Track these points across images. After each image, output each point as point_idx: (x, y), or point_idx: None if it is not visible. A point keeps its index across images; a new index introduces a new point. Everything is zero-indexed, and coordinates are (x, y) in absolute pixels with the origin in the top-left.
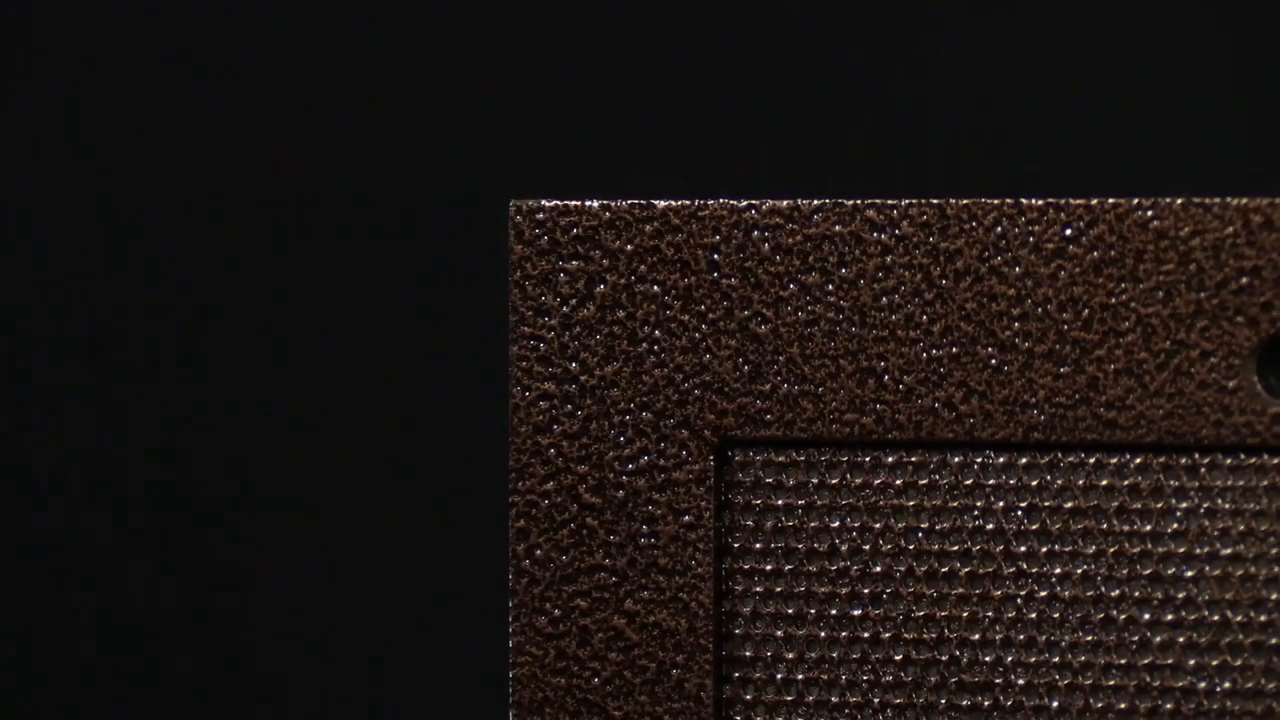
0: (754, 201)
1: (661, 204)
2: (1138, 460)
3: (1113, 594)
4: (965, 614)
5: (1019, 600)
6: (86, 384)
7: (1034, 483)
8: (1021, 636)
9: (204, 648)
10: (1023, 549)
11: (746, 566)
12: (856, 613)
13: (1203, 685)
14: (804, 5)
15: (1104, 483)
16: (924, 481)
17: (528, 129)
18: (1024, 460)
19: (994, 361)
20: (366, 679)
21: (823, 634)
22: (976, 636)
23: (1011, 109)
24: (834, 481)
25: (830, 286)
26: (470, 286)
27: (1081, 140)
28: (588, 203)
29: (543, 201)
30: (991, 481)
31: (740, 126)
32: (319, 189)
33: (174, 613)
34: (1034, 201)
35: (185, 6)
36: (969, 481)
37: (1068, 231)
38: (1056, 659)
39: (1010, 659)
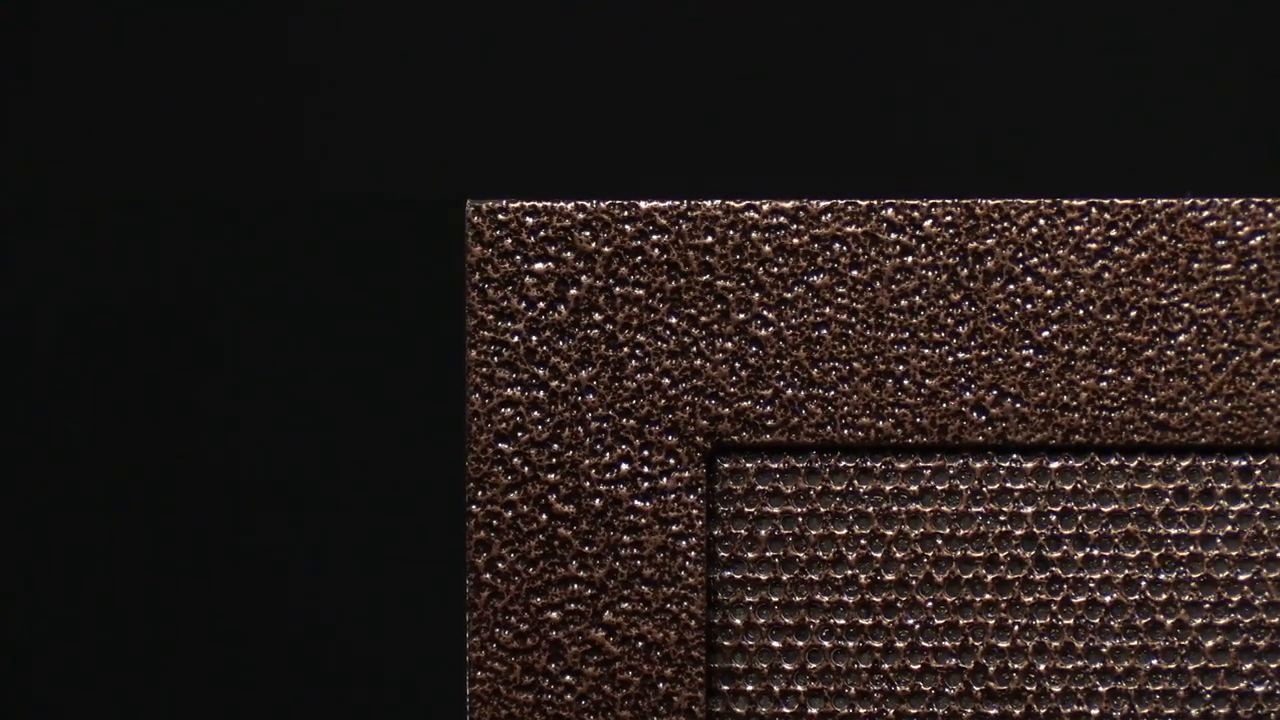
0: (753, 202)
1: (645, 204)
2: (1184, 463)
3: (1159, 598)
4: (992, 621)
5: (1053, 606)
6: (61, 387)
7: (1067, 486)
8: (1056, 643)
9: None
10: (1056, 554)
11: (737, 576)
12: (866, 621)
13: (1260, 689)
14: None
15: (1147, 486)
16: (942, 487)
17: (501, 130)
18: (1055, 464)
19: (1029, 364)
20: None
21: (828, 644)
22: (1005, 644)
23: (1013, 109)
24: (839, 488)
25: (842, 288)
26: (427, 290)
27: (1081, 141)
28: (558, 203)
29: (505, 202)
30: (1020, 486)
31: (710, 129)
32: (292, 190)
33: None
34: (1075, 201)
35: (162, 11)
36: (993, 486)
37: (1113, 231)
38: (1097, 665)
39: (1044, 666)
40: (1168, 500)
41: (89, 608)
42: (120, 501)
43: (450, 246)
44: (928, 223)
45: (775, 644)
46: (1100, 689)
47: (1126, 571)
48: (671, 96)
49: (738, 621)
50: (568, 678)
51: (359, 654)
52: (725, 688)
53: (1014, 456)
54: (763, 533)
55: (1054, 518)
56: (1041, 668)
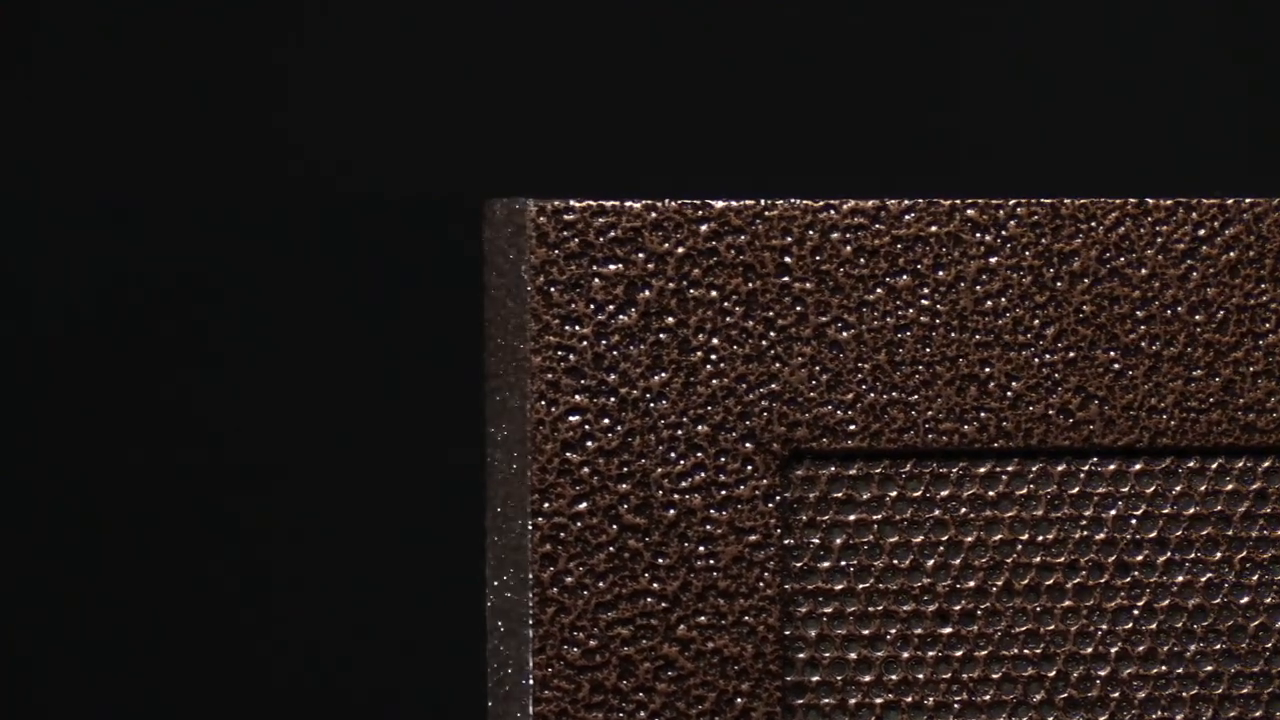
0: (831, 201)
1: (719, 204)
2: (1265, 464)
3: (1241, 601)
4: (1074, 628)
5: (1135, 611)
6: (59, 385)
7: (1148, 489)
8: (1139, 649)
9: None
10: (1137, 558)
11: (810, 587)
12: (945, 631)
13: None
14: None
15: (1229, 488)
16: (1021, 491)
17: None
18: (1137, 466)
19: (1116, 366)
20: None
21: (905, 654)
22: (1088, 650)
23: (1014, 111)
24: (914, 494)
25: (925, 289)
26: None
27: (1083, 141)
28: (628, 203)
29: (571, 201)
30: (1100, 489)
31: (734, 131)
32: (295, 188)
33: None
34: (1161, 201)
35: (165, 11)
36: (1073, 490)
37: (1200, 231)
38: (1180, 670)
39: (1127, 672)
40: (1248, 503)
41: (89, 608)
42: (122, 501)
43: (448, 246)
44: (1011, 223)
45: (851, 655)
46: (1183, 695)
47: (1208, 575)
48: (678, 94)
49: (812, 633)
50: (639, 695)
51: (374, 668)
52: (799, 701)
53: (1093, 459)
54: (837, 541)
55: (1135, 521)
56: (1124, 674)
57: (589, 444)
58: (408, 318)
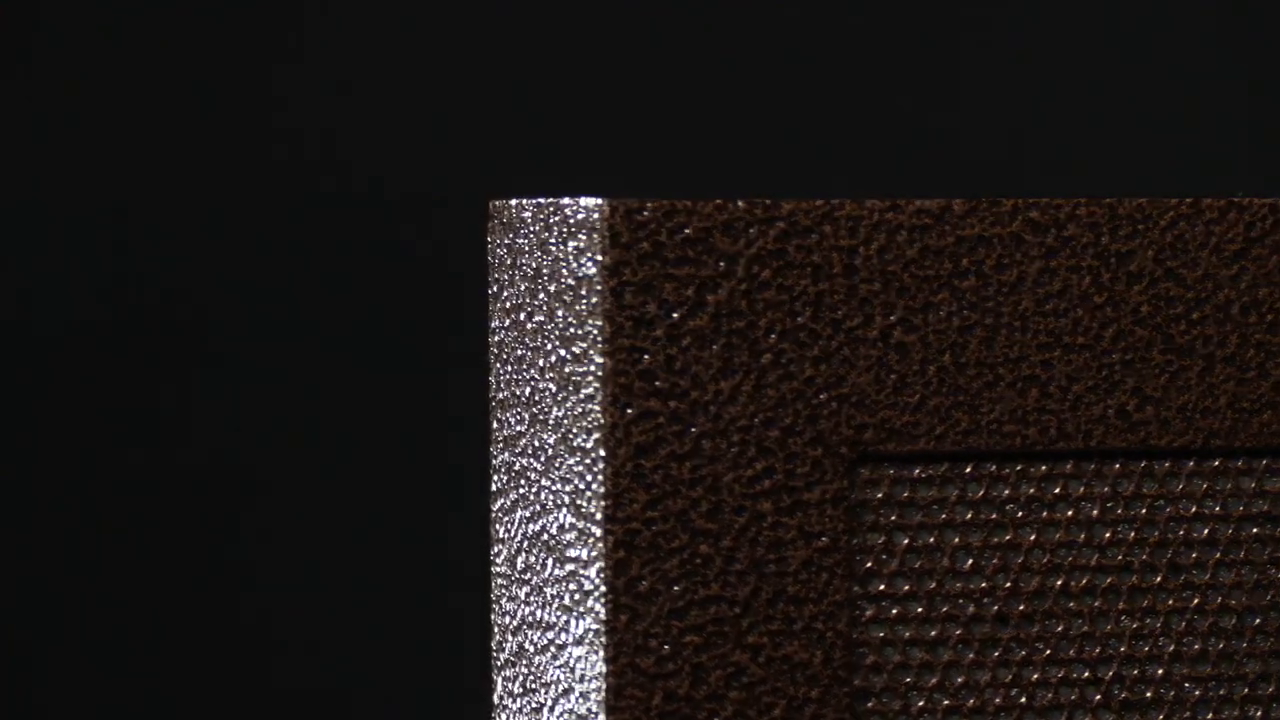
0: (898, 201)
1: (788, 204)
2: None
3: None
4: (1132, 627)
5: (1189, 612)
6: (59, 385)
7: (1198, 489)
8: (1196, 647)
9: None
10: (1191, 558)
11: (874, 590)
12: (1005, 633)
13: None
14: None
15: (1278, 488)
16: (1077, 493)
17: (508, 129)
18: (1189, 465)
19: (1172, 367)
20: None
21: (969, 657)
22: (1147, 649)
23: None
24: (975, 496)
25: (989, 291)
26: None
27: (1085, 141)
28: (699, 203)
29: (645, 201)
30: (1153, 489)
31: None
32: (296, 188)
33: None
34: (1214, 201)
35: (165, 11)
36: (1128, 491)
37: (1251, 232)
38: (1230, 671)
39: (1181, 672)
40: None
41: (89, 608)
42: (122, 501)
43: (450, 246)
44: (1071, 224)
45: (915, 658)
46: (1234, 696)
47: (1259, 575)
48: (678, 94)
49: (878, 635)
50: (711, 704)
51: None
52: (867, 705)
53: (1143, 460)
54: (900, 543)
55: (1187, 522)
56: (1176, 675)
57: (661, 449)
58: (409, 317)
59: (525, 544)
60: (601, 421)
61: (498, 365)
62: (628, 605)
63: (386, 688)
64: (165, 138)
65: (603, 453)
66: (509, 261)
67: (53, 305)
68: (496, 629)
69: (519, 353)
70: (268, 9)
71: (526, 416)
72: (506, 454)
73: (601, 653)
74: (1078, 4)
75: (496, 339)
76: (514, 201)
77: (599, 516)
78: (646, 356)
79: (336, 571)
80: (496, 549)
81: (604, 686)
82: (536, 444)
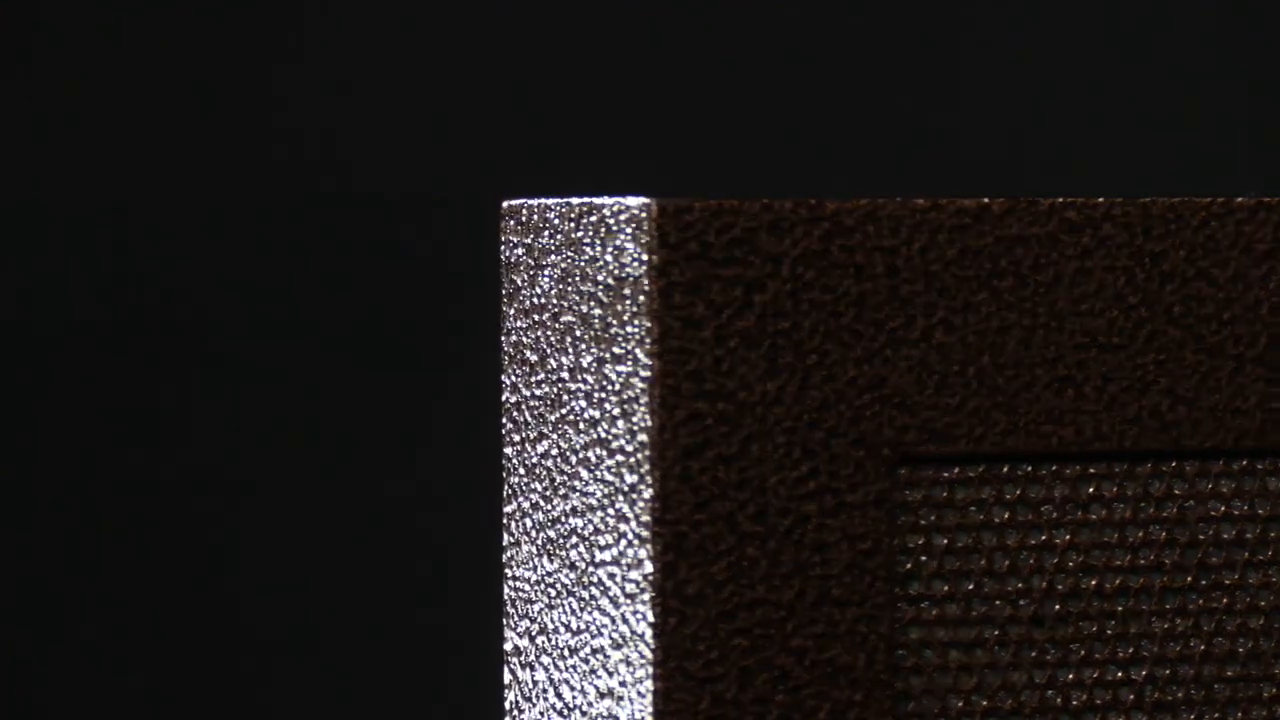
0: (939, 201)
1: (832, 204)
2: None
3: None
4: (1164, 628)
5: (1219, 611)
6: (59, 385)
7: (1228, 489)
8: (1226, 647)
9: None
10: (1221, 558)
11: (913, 592)
12: (1040, 635)
13: None
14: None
15: None
16: (1110, 493)
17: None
18: (1219, 465)
19: (1203, 367)
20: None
21: (1007, 658)
22: (1178, 650)
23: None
24: (1010, 497)
25: (1026, 291)
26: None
27: (1085, 141)
28: (744, 203)
29: (691, 202)
30: (1183, 489)
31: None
32: (306, 189)
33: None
34: (1244, 200)
35: (165, 11)
36: (1159, 491)
37: None
38: (1259, 671)
39: (1211, 672)
40: None
41: (89, 608)
42: (122, 501)
43: (445, 245)
44: (1106, 224)
45: (953, 660)
46: (1263, 695)
47: None
48: (677, 94)
49: (916, 637)
50: (757, 707)
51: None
52: (907, 708)
53: (1172, 462)
54: (938, 544)
55: (1217, 523)
56: (1208, 675)
57: (709, 451)
58: (409, 317)
59: (548, 545)
60: (649, 424)
61: (512, 366)
62: (676, 608)
63: (387, 687)
64: (165, 138)
65: (650, 455)
66: (529, 262)
67: (53, 305)
68: (513, 630)
69: (541, 353)
70: (268, 9)
71: (550, 417)
72: (523, 454)
73: (650, 656)
74: (1078, 4)
75: (512, 339)
76: (535, 201)
77: (646, 519)
78: (695, 358)
79: (336, 571)
80: (512, 551)
81: (653, 690)
82: (563, 445)
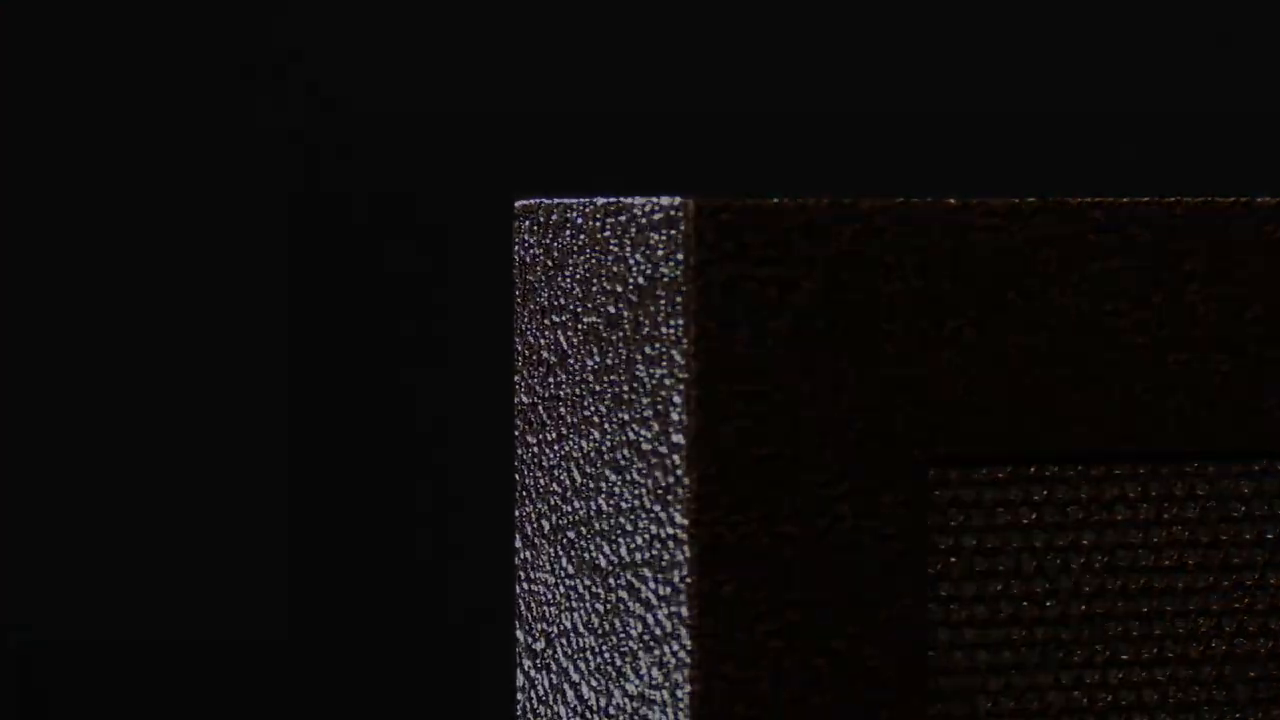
0: (969, 201)
1: (866, 203)
2: None
3: None
4: (1187, 628)
5: (1240, 612)
6: (59, 385)
7: (1250, 490)
8: (1247, 647)
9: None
10: (1241, 559)
11: (942, 593)
12: (1066, 635)
13: None
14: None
15: None
16: (1134, 494)
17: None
18: (1241, 467)
19: (1225, 367)
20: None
21: (1034, 659)
22: (1201, 650)
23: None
24: (1036, 498)
25: (1053, 291)
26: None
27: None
28: (781, 202)
29: (728, 202)
30: (1206, 490)
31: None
32: (303, 188)
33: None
34: (1267, 200)
35: (165, 11)
36: (1182, 491)
37: None
38: (1276, 671)
39: (1231, 672)
40: None
41: (89, 608)
42: (124, 501)
43: (445, 246)
44: (1133, 224)
45: (981, 660)
46: None
47: None
48: (678, 94)
49: (944, 638)
50: (792, 708)
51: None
52: (936, 708)
53: (1197, 462)
54: (967, 545)
55: (1239, 523)
56: (1230, 675)
57: (746, 452)
58: (409, 317)
59: (569, 547)
60: (686, 425)
61: (526, 366)
62: (713, 609)
63: (387, 687)
64: (165, 138)
65: (688, 455)
66: (547, 262)
67: (55, 305)
68: (527, 632)
69: (560, 353)
70: (266, 9)
71: (570, 418)
72: (540, 456)
73: (687, 657)
74: (1078, 4)
75: (527, 339)
76: (554, 201)
77: (683, 521)
78: (732, 359)
79: (336, 572)
80: (527, 553)
81: (690, 692)
82: (586, 446)
